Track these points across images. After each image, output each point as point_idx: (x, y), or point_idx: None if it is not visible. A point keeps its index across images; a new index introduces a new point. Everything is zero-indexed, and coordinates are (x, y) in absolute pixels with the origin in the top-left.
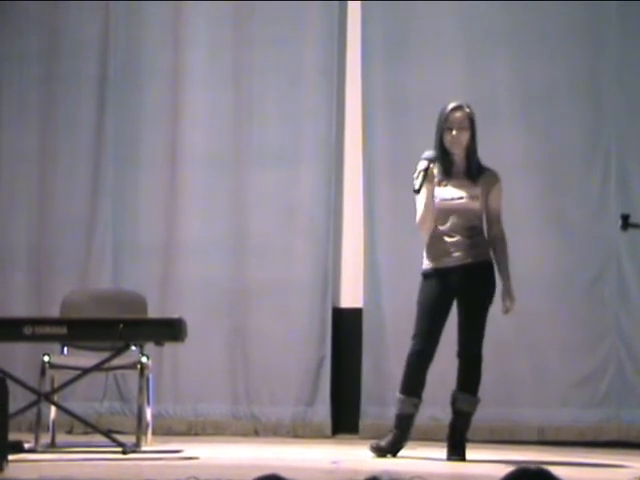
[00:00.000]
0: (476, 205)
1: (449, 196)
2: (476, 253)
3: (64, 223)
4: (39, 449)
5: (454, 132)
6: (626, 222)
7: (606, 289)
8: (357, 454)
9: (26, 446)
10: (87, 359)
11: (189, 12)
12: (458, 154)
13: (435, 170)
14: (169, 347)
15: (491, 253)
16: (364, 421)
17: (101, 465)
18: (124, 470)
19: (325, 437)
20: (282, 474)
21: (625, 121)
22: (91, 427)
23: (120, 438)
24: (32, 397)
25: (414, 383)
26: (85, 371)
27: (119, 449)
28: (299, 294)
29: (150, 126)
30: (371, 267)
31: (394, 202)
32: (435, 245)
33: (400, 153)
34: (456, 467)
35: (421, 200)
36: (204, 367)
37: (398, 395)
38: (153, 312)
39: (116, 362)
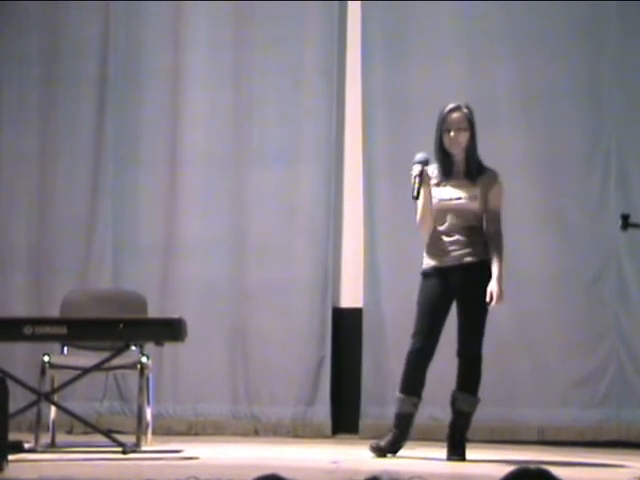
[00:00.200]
0: (475, 205)
1: (447, 196)
2: (475, 252)
3: (64, 223)
4: (39, 449)
5: (452, 133)
6: (626, 222)
7: (606, 289)
8: (357, 454)
9: (26, 446)
10: (87, 359)
11: (189, 12)
12: (457, 155)
13: (430, 171)
14: (169, 347)
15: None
16: (364, 421)
17: (101, 465)
18: (124, 470)
19: (325, 437)
20: (282, 474)
21: (625, 121)
22: (91, 427)
23: (120, 438)
24: (32, 397)
25: (414, 382)
26: (85, 371)
27: (119, 449)
28: (299, 294)
29: (150, 126)
30: (371, 267)
31: (394, 202)
32: (434, 245)
33: (400, 153)
34: (456, 467)
35: (420, 201)
36: (204, 367)
37: (398, 394)
38: (153, 312)
39: (116, 362)
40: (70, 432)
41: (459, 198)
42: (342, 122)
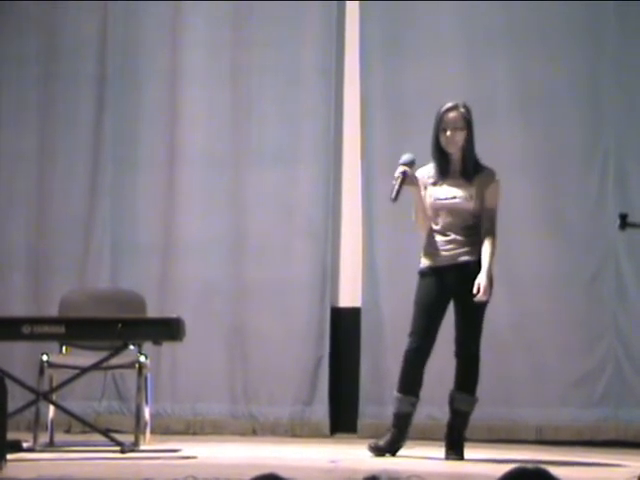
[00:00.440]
0: (471, 205)
1: (442, 195)
2: (472, 252)
3: (62, 223)
4: (38, 448)
5: (448, 133)
6: (624, 221)
7: (604, 288)
8: (355, 453)
9: (25, 445)
10: (85, 358)
11: (188, 12)
12: (454, 154)
13: (427, 170)
14: (167, 346)
15: None
16: (362, 420)
17: (99, 464)
18: (122, 469)
19: (323, 436)
20: (280, 473)
21: (624, 121)
22: (89, 426)
23: (118, 437)
24: (31, 396)
25: (411, 381)
26: (83, 370)
27: (117, 448)
28: (298, 293)
29: (148, 126)
30: (369, 266)
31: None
32: (431, 244)
33: (398, 153)
34: (454, 466)
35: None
36: (202, 366)
37: (395, 394)
38: (151, 311)
39: (114, 361)
40: (68, 431)
41: (454, 197)
42: (340, 122)
